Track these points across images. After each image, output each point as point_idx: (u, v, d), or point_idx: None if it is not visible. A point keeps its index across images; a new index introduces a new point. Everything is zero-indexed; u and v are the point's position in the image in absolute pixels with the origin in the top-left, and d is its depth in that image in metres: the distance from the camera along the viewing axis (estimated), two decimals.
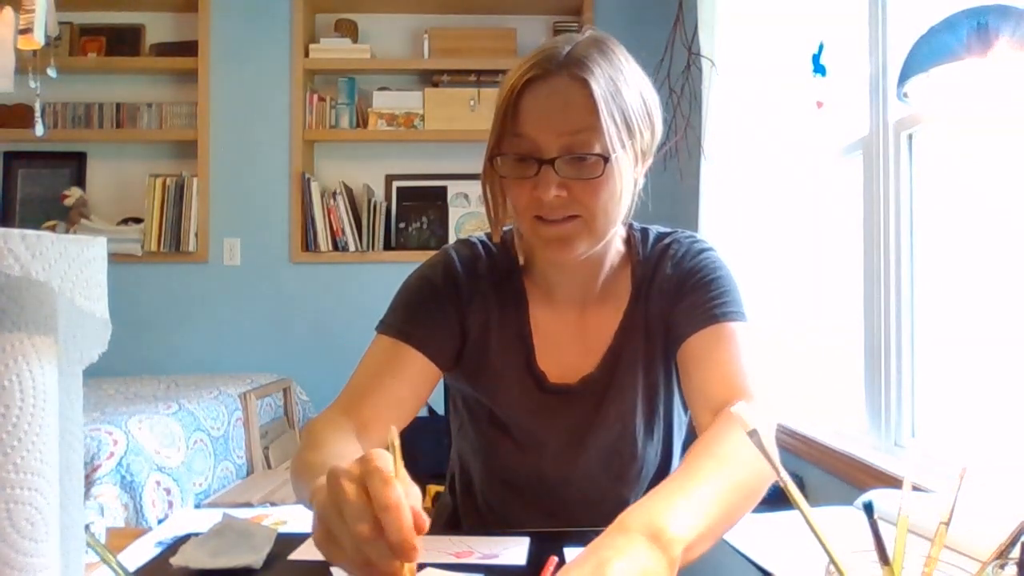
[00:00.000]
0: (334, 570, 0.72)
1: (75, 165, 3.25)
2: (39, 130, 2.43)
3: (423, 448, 1.56)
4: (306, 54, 3.19)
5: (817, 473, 1.82)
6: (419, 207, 3.27)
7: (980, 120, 1.31)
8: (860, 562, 0.47)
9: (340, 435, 0.83)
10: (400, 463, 0.54)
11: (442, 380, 1.01)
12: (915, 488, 0.52)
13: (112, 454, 1.81)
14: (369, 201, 3.16)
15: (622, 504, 0.64)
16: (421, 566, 0.72)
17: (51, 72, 2.35)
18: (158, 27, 3.30)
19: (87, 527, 0.49)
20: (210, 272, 3.20)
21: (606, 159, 0.83)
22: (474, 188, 3.22)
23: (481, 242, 1.03)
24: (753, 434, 0.49)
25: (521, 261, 1.00)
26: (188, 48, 3.21)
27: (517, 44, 3.21)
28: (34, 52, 2.18)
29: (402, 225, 3.26)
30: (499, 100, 0.86)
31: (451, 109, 3.16)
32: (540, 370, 0.98)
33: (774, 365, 2.19)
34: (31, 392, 0.40)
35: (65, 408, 0.43)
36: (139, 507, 1.81)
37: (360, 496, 0.53)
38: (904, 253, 1.62)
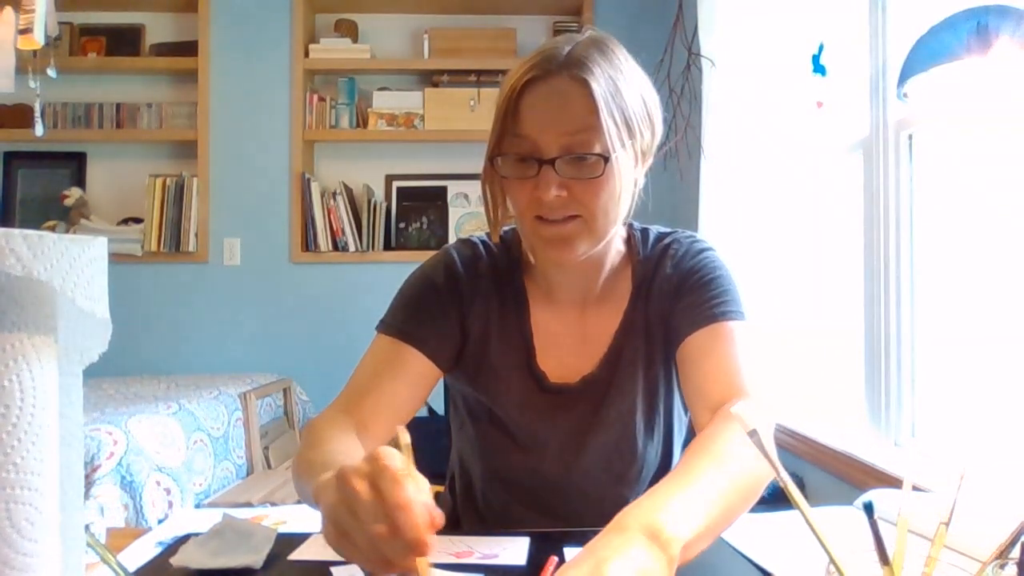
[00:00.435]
0: (334, 570, 0.72)
1: (75, 165, 3.25)
2: (39, 130, 2.43)
3: (423, 448, 1.56)
4: (306, 54, 3.19)
5: (817, 473, 1.82)
6: (419, 207, 3.27)
7: (980, 120, 1.31)
8: (860, 562, 0.47)
9: (341, 434, 0.83)
10: (411, 461, 0.55)
11: (442, 380, 1.01)
12: (915, 488, 0.52)
13: (112, 454, 1.81)
14: (369, 201, 3.16)
15: (622, 504, 0.64)
16: None
17: (51, 72, 2.35)
18: (158, 27, 3.30)
19: (87, 527, 0.49)
20: (210, 272, 3.20)
21: (606, 159, 0.83)
22: (474, 188, 3.22)
23: (482, 242, 1.03)
24: (753, 434, 0.49)
25: (532, 260, 1.00)
26: (188, 48, 3.21)
27: (517, 44, 3.21)
28: (34, 52, 2.18)
29: (402, 225, 3.26)
30: (499, 100, 0.86)
31: (451, 109, 3.16)
32: (540, 370, 0.98)
33: (774, 365, 2.19)
34: (31, 392, 0.40)
35: (65, 408, 0.43)
36: (139, 507, 1.81)
37: (372, 495, 0.53)
38: (904, 253, 1.62)
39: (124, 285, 3.07)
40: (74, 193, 3.14)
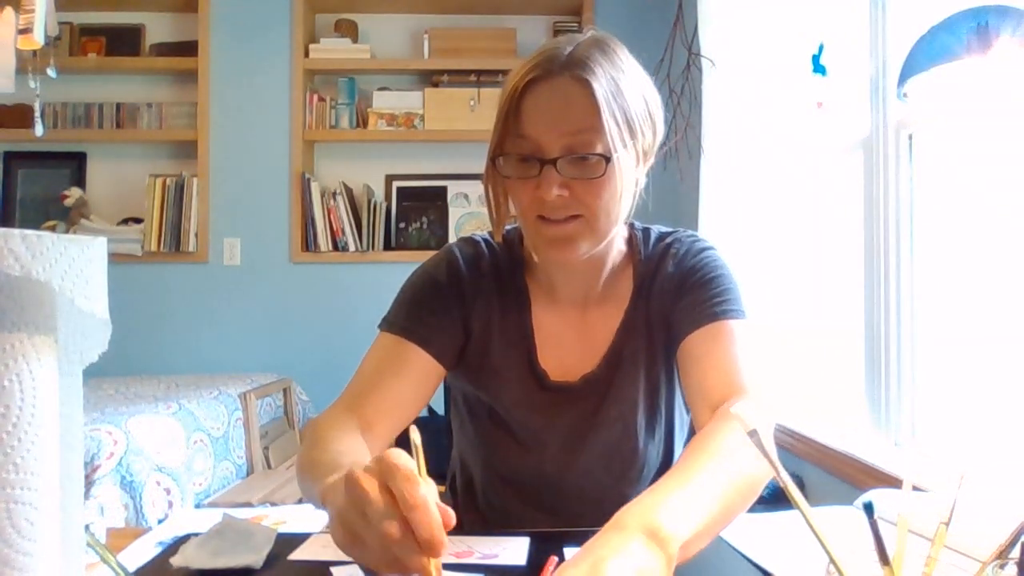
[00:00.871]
0: (334, 570, 0.72)
1: (75, 165, 3.25)
2: (39, 130, 2.43)
3: (422, 447, 1.56)
4: (306, 54, 3.19)
5: (817, 473, 1.82)
6: (419, 207, 3.27)
7: (980, 120, 1.31)
8: (860, 562, 0.47)
9: (345, 433, 0.83)
10: (423, 462, 0.55)
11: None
12: (915, 488, 0.52)
13: (112, 454, 1.80)
14: (369, 201, 3.16)
15: (623, 503, 0.64)
16: None
17: (51, 72, 2.35)
18: (158, 27, 3.30)
19: (87, 527, 0.49)
20: (210, 272, 3.20)
21: (608, 159, 0.83)
22: (474, 188, 3.22)
23: (484, 240, 1.03)
24: (753, 434, 0.49)
25: (536, 259, 0.99)
26: (188, 48, 3.21)
27: (517, 44, 3.21)
28: (34, 52, 2.18)
29: (402, 225, 3.26)
30: (501, 101, 0.86)
31: (451, 109, 3.16)
32: (541, 368, 0.98)
33: (774, 365, 2.19)
34: (31, 392, 0.40)
35: (65, 408, 0.43)
36: (139, 507, 1.81)
37: (383, 496, 0.53)
38: (904, 253, 1.62)
39: (124, 285, 3.06)
40: (74, 193, 3.14)
